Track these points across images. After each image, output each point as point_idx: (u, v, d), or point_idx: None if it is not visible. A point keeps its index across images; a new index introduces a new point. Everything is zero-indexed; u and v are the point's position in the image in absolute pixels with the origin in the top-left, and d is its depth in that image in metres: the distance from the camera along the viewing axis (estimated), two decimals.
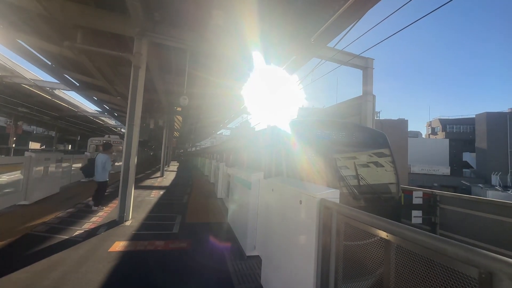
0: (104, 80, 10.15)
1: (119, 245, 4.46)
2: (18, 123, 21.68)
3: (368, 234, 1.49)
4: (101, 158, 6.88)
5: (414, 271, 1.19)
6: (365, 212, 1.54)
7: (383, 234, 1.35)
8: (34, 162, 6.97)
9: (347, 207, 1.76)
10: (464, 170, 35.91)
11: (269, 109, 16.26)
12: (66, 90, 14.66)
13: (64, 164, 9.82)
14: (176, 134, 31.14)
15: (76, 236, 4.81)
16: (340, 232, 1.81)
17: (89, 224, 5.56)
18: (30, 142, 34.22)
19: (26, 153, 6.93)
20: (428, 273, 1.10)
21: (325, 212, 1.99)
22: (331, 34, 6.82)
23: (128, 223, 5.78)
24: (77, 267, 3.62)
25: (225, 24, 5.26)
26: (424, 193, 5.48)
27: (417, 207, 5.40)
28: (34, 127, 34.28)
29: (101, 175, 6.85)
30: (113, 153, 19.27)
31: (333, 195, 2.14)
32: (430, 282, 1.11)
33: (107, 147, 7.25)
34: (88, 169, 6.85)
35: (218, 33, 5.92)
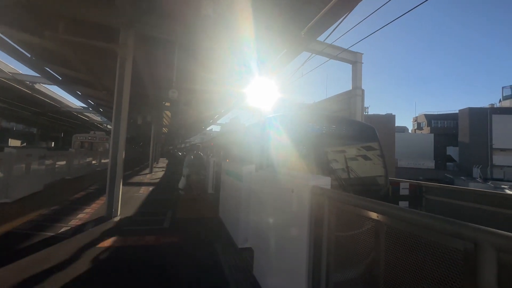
0: (89, 74, 9.79)
1: (107, 241, 4.36)
2: None
3: (360, 217, 1.52)
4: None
5: (404, 250, 1.22)
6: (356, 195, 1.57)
7: (373, 215, 1.38)
8: (15, 159, 6.67)
9: (338, 192, 1.79)
10: (447, 163, 37.32)
11: (260, 103, 16.23)
12: (47, 84, 14.06)
13: (48, 161, 9.47)
14: (165, 130, 30.60)
15: (62, 233, 4.66)
16: (332, 217, 1.83)
17: (75, 221, 5.41)
18: (9, 140, 32.74)
19: (6, 149, 6.63)
20: (418, 250, 1.14)
21: (317, 199, 2.00)
22: (321, 28, 6.84)
23: (116, 219, 5.65)
24: (63, 263, 3.51)
25: (215, 14, 5.17)
26: (410, 185, 5.65)
27: (404, 198, 5.57)
28: (14, 124, 32.80)
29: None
30: (100, 150, 18.78)
31: (324, 182, 2.16)
32: (420, 259, 1.14)
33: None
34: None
35: (208, 24, 5.82)
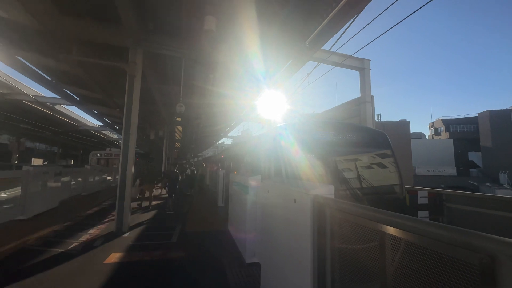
0: (103, 93, 10.23)
1: (115, 257, 4.33)
2: (21, 139, 21.87)
3: (362, 227, 1.38)
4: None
5: (411, 264, 1.07)
6: (358, 204, 1.44)
7: (376, 225, 1.24)
8: (32, 176, 6.92)
9: (340, 200, 1.66)
10: (470, 170, 35.24)
11: (269, 115, 16.26)
12: (66, 105, 14.82)
13: (64, 178, 9.77)
14: (177, 144, 31.18)
15: (71, 249, 4.69)
16: (335, 228, 1.69)
17: (86, 236, 5.45)
18: (32, 158, 34.45)
19: (24, 167, 6.90)
20: (427, 264, 0.99)
21: (319, 209, 1.88)
22: (325, 37, 6.82)
23: (126, 234, 5.65)
24: (70, 280, 3.50)
25: (218, 30, 5.28)
26: (429, 193, 5.30)
27: (423, 207, 5.23)
28: (37, 144, 34.60)
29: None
30: (115, 166, 19.30)
31: (327, 191, 2.03)
32: (429, 274, 0.99)
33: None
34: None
35: (212, 39, 5.95)
